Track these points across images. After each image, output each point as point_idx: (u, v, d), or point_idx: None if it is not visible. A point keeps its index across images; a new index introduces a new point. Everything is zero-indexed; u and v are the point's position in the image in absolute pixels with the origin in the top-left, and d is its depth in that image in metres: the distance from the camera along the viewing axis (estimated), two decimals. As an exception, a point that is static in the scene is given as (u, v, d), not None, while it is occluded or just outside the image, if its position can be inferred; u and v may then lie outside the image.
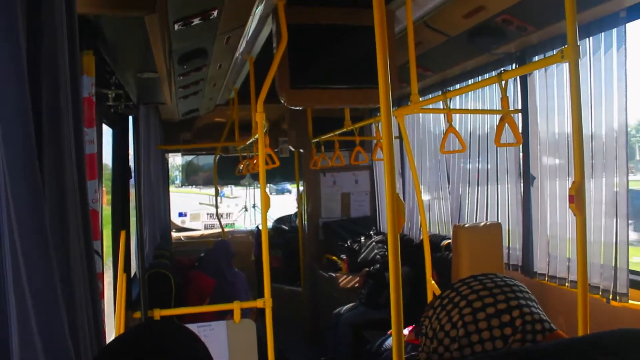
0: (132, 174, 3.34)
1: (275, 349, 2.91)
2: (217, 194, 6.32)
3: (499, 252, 3.47)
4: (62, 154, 1.16)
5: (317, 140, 5.23)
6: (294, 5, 2.74)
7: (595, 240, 2.88)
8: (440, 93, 2.86)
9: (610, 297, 2.78)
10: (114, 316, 2.89)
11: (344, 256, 5.70)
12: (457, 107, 4.09)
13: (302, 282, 6.38)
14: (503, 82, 2.39)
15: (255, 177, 7.74)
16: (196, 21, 2.15)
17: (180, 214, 9.86)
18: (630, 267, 2.77)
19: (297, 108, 3.20)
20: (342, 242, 5.82)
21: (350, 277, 5.35)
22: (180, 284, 4.04)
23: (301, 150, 6.16)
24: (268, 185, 3.43)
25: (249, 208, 11.40)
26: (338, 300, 5.15)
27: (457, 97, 4.09)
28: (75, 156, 1.25)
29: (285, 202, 13.46)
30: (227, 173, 7.24)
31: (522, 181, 3.52)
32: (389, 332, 4.03)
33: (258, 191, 6.32)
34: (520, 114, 3.43)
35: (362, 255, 5.56)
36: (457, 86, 4.09)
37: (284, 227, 7.41)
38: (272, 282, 2.98)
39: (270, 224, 7.34)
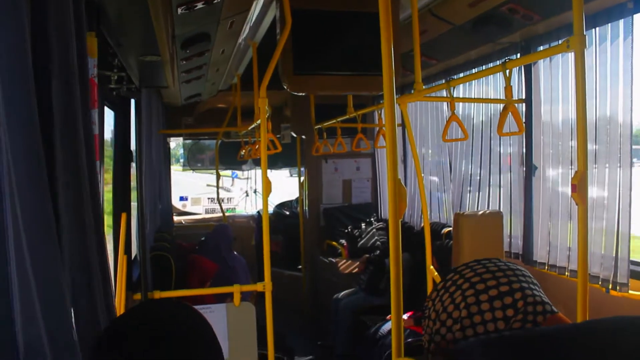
0: (134, 157, 3.34)
1: (274, 332, 2.93)
2: (218, 178, 6.33)
3: (499, 241, 3.48)
4: (76, 136, 1.16)
5: (320, 126, 5.23)
6: None
7: (597, 229, 2.88)
8: (444, 81, 2.85)
9: (610, 286, 2.79)
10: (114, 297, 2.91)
11: (344, 242, 5.72)
12: (461, 96, 4.08)
13: (302, 267, 6.42)
14: (507, 71, 2.38)
15: (256, 162, 7.74)
16: (200, 5, 2.14)
17: (182, 198, 9.87)
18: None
19: (300, 94, 3.19)
20: (343, 228, 5.85)
21: (350, 262, 5.37)
22: (181, 267, 4.06)
23: (303, 137, 6.15)
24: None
25: (249, 193, 11.42)
26: (338, 285, 5.19)
27: (461, 86, 4.08)
28: (84, 138, 1.25)
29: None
30: (229, 158, 7.26)
31: (524, 170, 3.52)
32: (387, 317, 4.06)
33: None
34: (524, 104, 3.42)
35: (363, 242, 5.59)
36: (461, 75, 4.08)
37: (285, 212, 7.44)
38: (272, 266, 3.00)
39: (271, 209, 7.36)
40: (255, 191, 11.24)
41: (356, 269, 5.19)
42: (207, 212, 9.17)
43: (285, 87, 2.86)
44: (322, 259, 5.83)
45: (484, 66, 3.77)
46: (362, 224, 5.77)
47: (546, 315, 0.94)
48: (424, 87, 2.73)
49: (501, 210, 3.68)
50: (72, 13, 1.20)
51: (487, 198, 3.95)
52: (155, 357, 0.97)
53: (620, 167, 2.74)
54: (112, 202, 3.32)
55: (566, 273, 3.14)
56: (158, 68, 2.97)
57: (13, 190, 0.95)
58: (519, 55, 3.38)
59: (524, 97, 3.44)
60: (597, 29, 2.80)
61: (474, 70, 3.93)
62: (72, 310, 1.10)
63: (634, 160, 2.78)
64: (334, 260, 5.51)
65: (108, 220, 3.21)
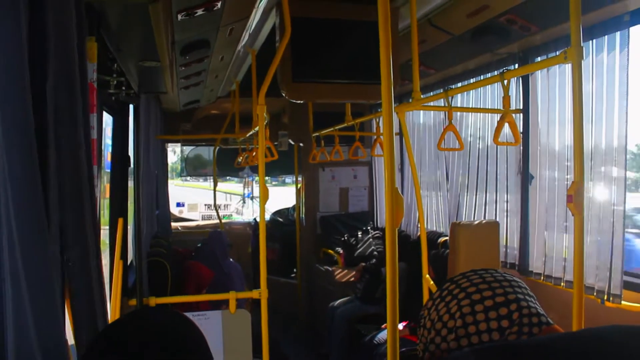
0: (132, 163, 3.34)
1: (269, 340, 2.92)
2: (215, 184, 6.32)
3: (495, 250, 3.48)
4: (76, 139, 1.16)
5: (317, 134, 5.23)
6: None
7: (592, 241, 2.89)
8: (441, 91, 2.86)
9: (605, 297, 2.80)
10: (109, 303, 2.90)
11: (340, 250, 5.72)
12: (459, 106, 4.10)
13: (298, 275, 6.41)
14: (505, 82, 2.39)
15: (254, 169, 7.74)
16: (199, 12, 2.15)
17: (178, 204, 9.85)
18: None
19: (298, 102, 3.20)
20: (339, 237, 5.85)
21: (346, 271, 5.37)
22: (177, 273, 4.05)
23: (301, 144, 6.16)
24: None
25: (246, 200, 11.40)
26: (333, 293, 5.17)
27: (459, 96, 4.09)
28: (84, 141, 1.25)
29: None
30: (226, 165, 7.26)
31: (520, 180, 3.53)
32: (383, 326, 4.05)
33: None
34: (521, 114, 3.44)
35: (359, 250, 5.58)
36: (459, 84, 4.09)
37: (281, 220, 7.43)
38: (269, 274, 3.00)
39: (267, 217, 7.36)
40: (252, 198, 11.23)
41: (352, 278, 5.18)
42: (203, 218, 9.16)
43: (283, 94, 2.87)
44: (318, 267, 5.82)
45: (482, 76, 3.79)
46: (359, 233, 5.76)
47: (542, 326, 0.94)
48: (422, 96, 2.75)
49: (497, 220, 3.68)
50: (74, 17, 1.21)
51: (483, 207, 3.95)
52: None
53: (615, 178, 2.75)
54: (109, 207, 3.32)
55: (562, 284, 3.15)
56: (157, 74, 2.97)
57: (7, 192, 0.95)
58: (516, 65, 3.40)
59: (521, 107, 3.45)
60: (594, 40, 2.82)
61: (472, 80, 3.95)
62: (66, 315, 1.09)
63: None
64: (330, 268, 5.50)
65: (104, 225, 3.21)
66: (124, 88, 2.80)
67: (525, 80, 3.42)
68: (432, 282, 2.99)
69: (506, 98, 2.48)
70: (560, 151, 3.19)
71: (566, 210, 3.10)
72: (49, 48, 1.10)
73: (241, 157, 6.15)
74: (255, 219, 7.52)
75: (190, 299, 3.45)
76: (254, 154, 5.27)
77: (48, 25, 1.11)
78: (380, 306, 4.48)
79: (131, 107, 3.29)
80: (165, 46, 2.30)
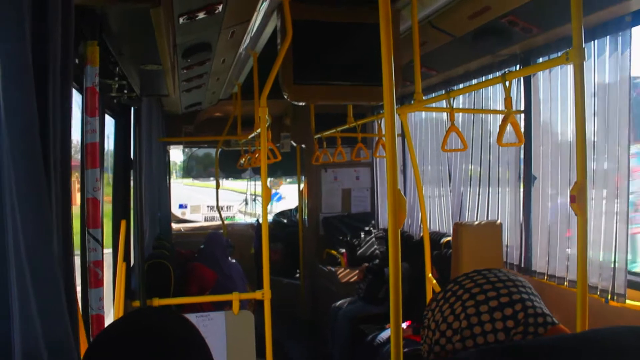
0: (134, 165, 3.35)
1: (272, 340, 2.92)
2: (217, 186, 6.33)
3: (498, 251, 3.48)
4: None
5: (319, 136, 5.24)
6: (299, 1, 2.74)
7: (595, 240, 2.89)
8: (443, 92, 2.87)
9: (609, 297, 2.79)
10: (112, 304, 2.90)
11: (343, 250, 5.72)
12: (461, 107, 4.10)
13: (301, 276, 6.41)
14: (507, 83, 2.40)
15: (256, 171, 7.75)
16: (201, 15, 2.16)
17: (181, 206, 9.87)
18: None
19: (300, 104, 3.21)
20: (342, 237, 5.85)
21: (348, 271, 5.37)
22: (180, 275, 4.06)
23: (303, 146, 6.17)
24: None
25: (249, 201, 11.41)
26: (336, 294, 5.18)
27: (461, 97, 4.10)
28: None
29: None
30: (229, 166, 7.28)
31: (523, 181, 3.53)
32: (386, 326, 4.06)
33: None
34: (522, 115, 3.44)
35: (362, 251, 5.59)
36: (461, 86, 4.10)
37: (283, 221, 7.44)
38: (271, 275, 3.00)
39: (270, 218, 7.36)
40: (254, 199, 11.24)
41: (355, 278, 5.18)
42: (206, 220, 9.17)
43: (285, 96, 2.88)
44: (321, 267, 5.82)
45: (483, 77, 3.79)
46: (361, 233, 5.77)
47: (547, 326, 0.94)
48: (424, 97, 2.75)
49: (500, 220, 3.68)
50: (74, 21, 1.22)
51: (486, 208, 3.95)
52: None
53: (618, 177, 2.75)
54: (112, 210, 3.33)
55: (565, 283, 3.14)
56: (159, 77, 2.98)
57: (12, 192, 0.96)
58: (518, 66, 3.40)
59: (523, 108, 3.45)
60: (596, 41, 2.82)
61: (473, 82, 3.95)
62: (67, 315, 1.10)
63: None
64: (333, 268, 5.51)
65: (108, 227, 3.22)
66: (125, 91, 2.81)
67: (527, 81, 3.42)
68: (435, 282, 2.99)
69: (508, 99, 2.48)
70: (562, 151, 3.19)
71: (568, 210, 3.10)
72: (48, 53, 1.11)
73: (243, 159, 6.16)
74: (257, 220, 7.53)
75: (193, 300, 3.46)
76: (257, 155, 5.28)
77: (49, 31, 1.12)
78: (383, 306, 4.48)
79: (132, 109, 3.30)
80: (167, 49, 2.30)
